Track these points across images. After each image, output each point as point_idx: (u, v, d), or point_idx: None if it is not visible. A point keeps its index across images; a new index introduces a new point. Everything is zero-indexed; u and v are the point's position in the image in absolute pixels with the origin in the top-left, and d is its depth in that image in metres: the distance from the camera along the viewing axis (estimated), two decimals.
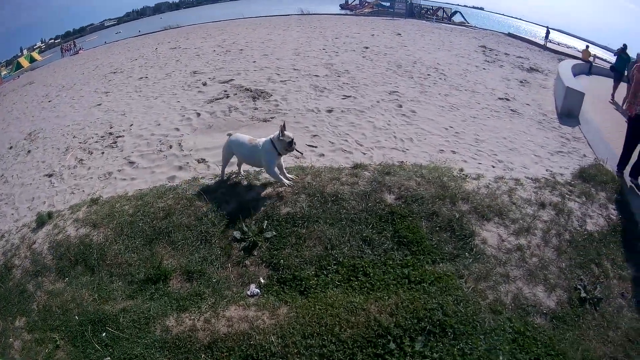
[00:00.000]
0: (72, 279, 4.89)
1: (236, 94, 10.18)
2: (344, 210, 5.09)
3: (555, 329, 4.10)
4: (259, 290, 4.29)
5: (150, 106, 10.75)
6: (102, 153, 8.32)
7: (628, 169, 6.56)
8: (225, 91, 10.48)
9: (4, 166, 11.55)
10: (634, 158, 6.46)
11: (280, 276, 4.39)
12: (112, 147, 8.46)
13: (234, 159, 5.86)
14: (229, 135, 5.75)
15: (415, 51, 18.02)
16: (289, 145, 5.28)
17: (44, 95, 20.45)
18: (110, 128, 9.72)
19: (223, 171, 5.92)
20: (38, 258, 5.54)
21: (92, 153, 8.57)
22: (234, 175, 6.00)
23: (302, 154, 6.32)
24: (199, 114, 9.14)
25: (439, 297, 4.08)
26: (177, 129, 8.45)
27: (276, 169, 5.36)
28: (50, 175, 8.54)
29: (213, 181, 5.97)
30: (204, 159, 6.85)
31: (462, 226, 5.04)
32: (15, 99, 24.29)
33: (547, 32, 32.58)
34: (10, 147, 13.20)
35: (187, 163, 6.85)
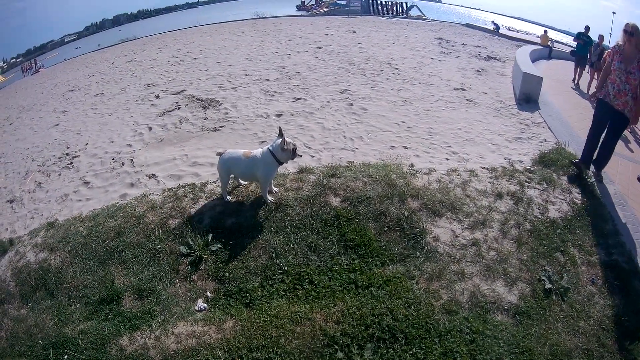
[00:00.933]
0: (34, 304, 4.84)
1: (187, 105, 10.19)
2: (288, 217, 5.11)
3: (518, 325, 4.04)
4: (206, 305, 4.28)
5: (104, 123, 10.64)
6: (59, 175, 8.25)
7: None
8: (177, 102, 10.48)
9: None
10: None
11: (227, 289, 4.38)
12: (69, 168, 8.38)
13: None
14: (219, 154, 5.38)
15: (369, 48, 18.23)
16: (293, 154, 5.08)
17: (5, 118, 20.05)
18: (67, 148, 9.60)
19: (225, 191, 5.59)
20: (2, 286, 5.46)
21: (49, 175, 8.47)
22: (181, 189, 6.09)
23: (300, 156, 6.32)
24: (150, 128, 9.12)
25: (388, 301, 4.07)
26: (130, 145, 8.41)
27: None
28: (11, 201, 8.46)
29: (161, 196, 5.98)
30: (154, 174, 6.85)
31: (411, 224, 5.02)
32: None
33: (496, 26, 33.29)
34: None
35: (139, 179, 6.83)
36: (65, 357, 4.05)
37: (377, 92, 11.15)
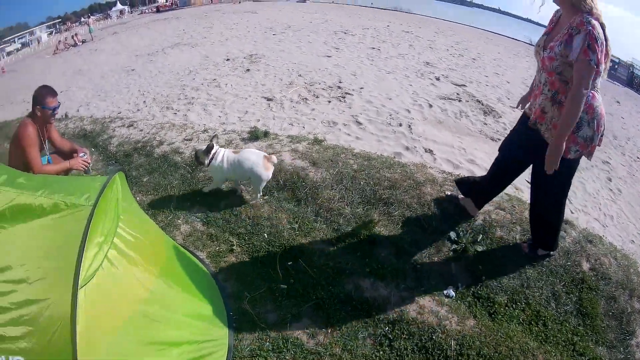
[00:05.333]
0: (274, 198, 5.09)
1: (467, 101, 9.85)
2: (547, 260, 4.68)
3: None
4: (454, 294, 4.13)
5: (382, 78, 10.86)
6: (329, 102, 8.57)
7: None
8: (458, 94, 10.21)
9: (218, 73, 12.54)
10: None
11: (477, 291, 4.18)
12: (340, 101, 8.65)
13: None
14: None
15: None
16: None
17: (269, 27, 21.78)
18: (340, 82, 9.98)
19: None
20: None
21: (317, 97, 8.89)
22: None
23: None
24: (430, 105, 8.98)
25: None
26: (408, 111, 8.34)
27: None
28: (269, 99, 9.04)
29: (441, 176, 5.66)
30: (431, 150, 6.66)
31: (628, 322, 4.46)
32: (236, 19, 26.09)
33: None
34: (227, 59, 14.29)
35: (415, 147, 6.69)
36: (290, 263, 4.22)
37: None
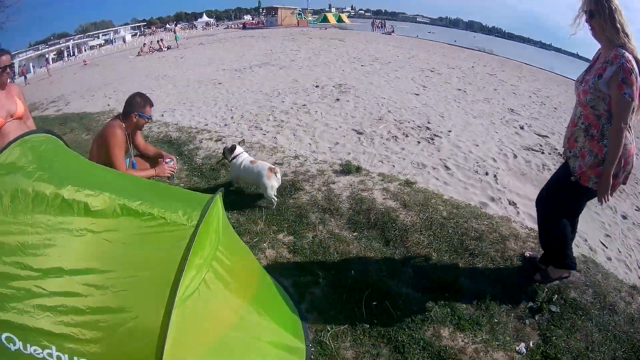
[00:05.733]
0: (364, 236, 5.37)
1: (550, 154, 9.97)
2: (613, 324, 4.63)
3: None
4: (525, 351, 4.22)
5: (469, 122, 11.20)
6: (418, 142, 9.01)
7: None
8: (541, 146, 10.39)
9: (308, 99, 13.16)
10: None
11: (546, 350, 4.22)
12: (429, 142, 9.08)
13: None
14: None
15: None
16: None
17: (356, 57, 22.35)
18: (428, 123, 10.43)
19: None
20: (332, 198, 6.29)
21: (407, 136, 9.38)
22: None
23: None
24: (515, 156, 9.23)
25: None
26: (494, 160, 8.65)
27: None
28: (359, 133, 9.56)
29: (524, 231, 5.92)
30: (515, 203, 6.91)
31: None
32: (323, 45, 26.79)
33: None
34: (317, 86, 14.94)
35: (500, 198, 6.98)
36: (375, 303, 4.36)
37: None
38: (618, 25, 3.47)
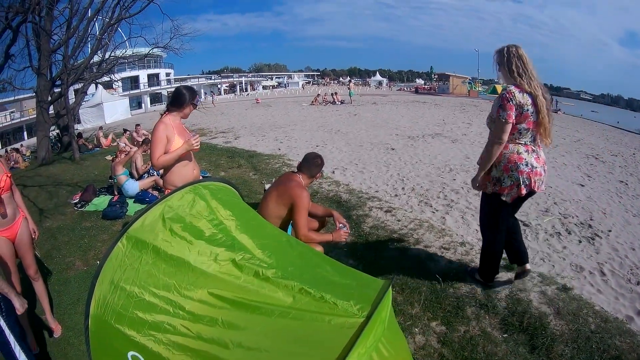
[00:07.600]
0: (513, 339, 5.41)
1: None
2: None
3: None
4: None
5: (628, 222, 10.38)
6: (579, 241, 8.96)
7: None
8: None
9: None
10: None
11: None
12: (589, 242, 8.91)
13: None
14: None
15: None
16: None
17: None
18: (591, 220, 10.21)
19: None
20: (491, 294, 6.34)
21: (570, 233, 9.35)
22: None
23: None
24: None
25: None
26: None
27: None
28: (525, 225, 9.62)
29: None
30: None
31: None
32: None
33: None
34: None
35: None
36: None
37: None
38: (514, 68, 4.97)
